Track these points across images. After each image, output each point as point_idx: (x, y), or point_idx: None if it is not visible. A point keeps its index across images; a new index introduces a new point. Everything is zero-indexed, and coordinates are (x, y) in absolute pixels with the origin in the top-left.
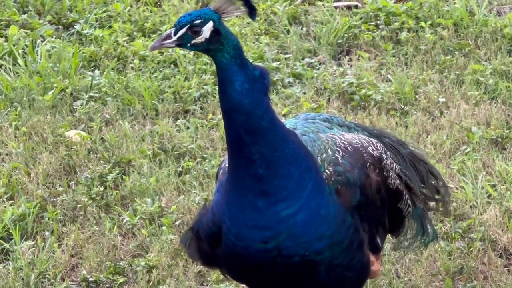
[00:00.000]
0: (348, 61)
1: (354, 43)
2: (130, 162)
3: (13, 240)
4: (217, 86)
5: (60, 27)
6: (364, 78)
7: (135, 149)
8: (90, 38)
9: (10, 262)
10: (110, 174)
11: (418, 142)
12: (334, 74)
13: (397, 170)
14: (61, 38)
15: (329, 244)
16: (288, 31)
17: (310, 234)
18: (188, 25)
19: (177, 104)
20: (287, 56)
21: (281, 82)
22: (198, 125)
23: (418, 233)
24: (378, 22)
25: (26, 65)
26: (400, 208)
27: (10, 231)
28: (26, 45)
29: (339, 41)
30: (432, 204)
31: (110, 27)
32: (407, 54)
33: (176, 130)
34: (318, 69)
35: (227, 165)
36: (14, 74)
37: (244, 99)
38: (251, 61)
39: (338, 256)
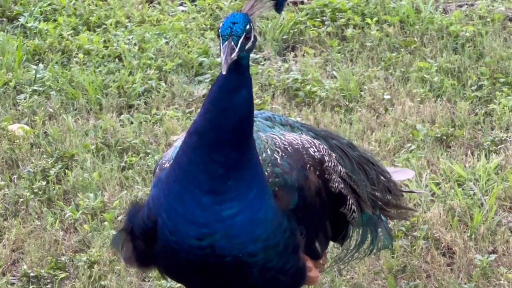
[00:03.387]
0: (293, 57)
1: (300, 39)
2: (73, 157)
3: None
4: (161, 81)
5: (4, 19)
6: (309, 74)
7: (78, 144)
8: (35, 31)
9: None
10: (52, 169)
11: (362, 139)
12: (279, 70)
13: (341, 173)
14: (5, 31)
15: (264, 247)
16: None
17: (246, 236)
18: (244, 33)
19: (121, 98)
20: None
21: None
22: (142, 120)
23: (364, 240)
24: (324, 18)
25: None
26: (343, 213)
27: None
28: None
29: (284, 37)
30: (390, 209)
31: (55, 20)
32: (353, 50)
33: (120, 125)
34: (263, 64)
35: (164, 161)
36: None
37: (249, 104)
38: (195, 56)
39: (272, 259)
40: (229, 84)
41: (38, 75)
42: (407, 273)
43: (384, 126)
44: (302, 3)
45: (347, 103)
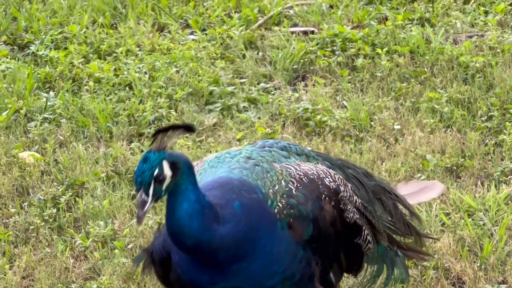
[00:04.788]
0: (303, 86)
1: (310, 68)
2: (83, 185)
3: None
4: (171, 110)
5: (15, 47)
6: (319, 104)
7: (89, 172)
8: (45, 59)
9: None
10: (63, 196)
11: (372, 169)
12: (290, 99)
13: (357, 203)
14: (16, 58)
15: (281, 279)
16: (244, 56)
17: (264, 274)
18: (153, 180)
19: (132, 127)
20: (242, 80)
21: (236, 106)
22: None
23: (380, 272)
24: (335, 48)
25: None
26: (358, 244)
27: None
28: None
29: (295, 66)
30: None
31: (66, 48)
32: (363, 80)
33: (130, 153)
34: (274, 94)
35: None
36: None
37: (193, 222)
38: (205, 85)
39: None
40: (172, 207)
41: (48, 103)
42: None
43: (394, 156)
44: (312, 32)
45: (357, 133)
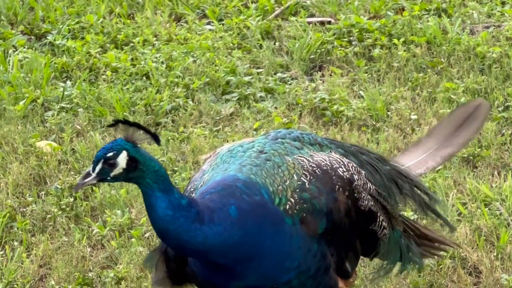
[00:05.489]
0: (320, 76)
1: (327, 58)
2: None
3: None
4: (188, 100)
5: (32, 37)
6: (336, 94)
7: None
8: (63, 49)
9: None
10: None
11: None
12: (306, 89)
13: (371, 190)
14: (33, 48)
15: (297, 274)
16: (260, 46)
17: (277, 271)
18: (102, 160)
19: (149, 116)
20: (259, 70)
21: (253, 96)
22: (169, 137)
23: (395, 259)
24: (351, 38)
25: None
26: (374, 230)
27: None
28: None
29: (311, 56)
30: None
31: (83, 38)
32: (380, 70)
33: (147, 142)
34: (290, 84)
35: (192, 188)
36: None
37: (168, 225)
38: (222, 75)
39: (305, 282)
40: (146, 210)
41: (66, 92)
42: None
43: None
44: (329, 23)
45: (374, 123)
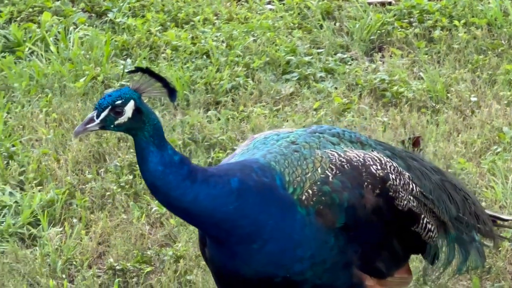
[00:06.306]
0: (380, 57)
1: (387, 39)
2: None
3: (40, 226)
4: (248, 79)
5: (93, 15)
6: (396, 75)
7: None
8: (123, 27)
9: (37, 248)
10: None
11: (448, 141)
12: (366, 70)
13: (414, 192)
14: (94, 26)
15: (311, 265)
16: (321, 26)
17: (287, 258)
18: (110, 107)
19: (209, 95)
20: (319, 50)
21: (313, 76)
22: (229, 116)
23: (451, 259)
24: (412, 19)
25: (58, 52)
26: (416, 232)
27: (38, 217)
28: (58, 32)
29: (372, 37)
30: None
31: (143, 16)
32: (440, 52)
33: (207, 121)
34: (350, 64)
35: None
36: (46, 61)
37: (156, 181)
38: (282, 55)
39: (321, 276)
40: (138, 163)
41: (126, 70)
42: (492, 274)
43: (471, 128)
44: (389, 4)
45: (434, 105)
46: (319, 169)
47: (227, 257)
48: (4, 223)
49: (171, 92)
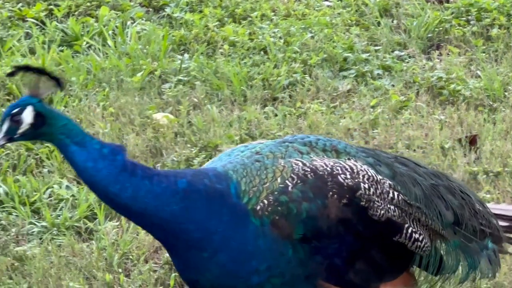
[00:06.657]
0: (438, 55)
1: (445, 37)
2: (217, 147)
3: (97, 220)
4: (305, 75)
5: (150, 9)
6: (453, 73)
7: (223, 134)
8: (180, 21)
9: (94, 242)
10: (196, 158)
11: (505, 139)
12: (424, 68)
13: (395, 200)
14: (151, 20)
15: (268, 277)
16: (379, 23)
17: (243, 270)
18: (8, 117)
19: (266, 91)
20: (377, 48)
21: (370, 73)
22: (286, 113)
23: (454, 266)
24: (469, 17)
25: (115, 46)
26: (400, 242)
27: (95, 211)
28: (116, 26)
29: (429, 35)
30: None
31: (201, 11)
32: (498, 50)
33: (264, 117)
34: (408, 62)
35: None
36: (103, 55)
37: (91, 178)
38: (340, 51)
39: None
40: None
41: (183, 65)
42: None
43: None
44: (447, 1)
45: (491, 103)
46: (279, 178)
47: (182, 265)
48: (61, 216)
49: (58, 81)
